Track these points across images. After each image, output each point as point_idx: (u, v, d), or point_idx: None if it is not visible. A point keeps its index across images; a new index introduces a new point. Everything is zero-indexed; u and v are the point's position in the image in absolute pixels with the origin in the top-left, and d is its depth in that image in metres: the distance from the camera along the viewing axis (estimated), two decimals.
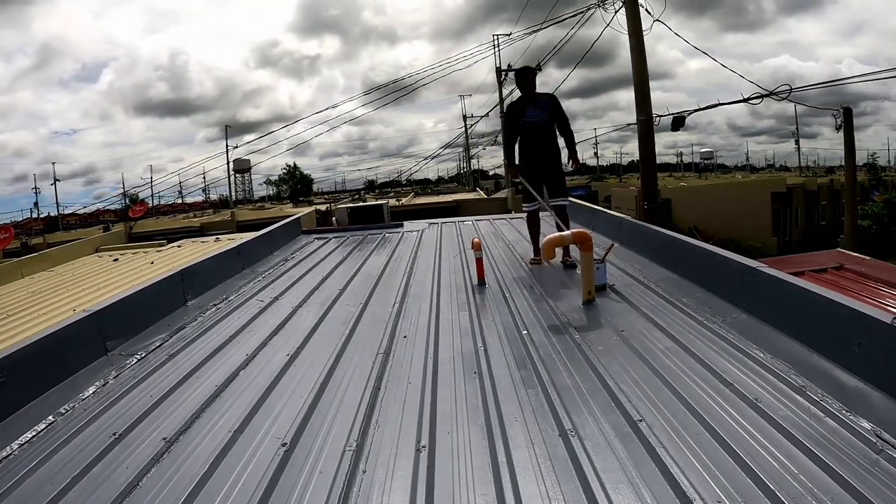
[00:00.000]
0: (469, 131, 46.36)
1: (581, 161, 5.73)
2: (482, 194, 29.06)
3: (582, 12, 14.64)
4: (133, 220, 20.60)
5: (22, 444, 2.27)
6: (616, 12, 12.79)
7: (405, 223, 8.55)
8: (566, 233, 3.98)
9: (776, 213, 25.51)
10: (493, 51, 29.01)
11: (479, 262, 4.70)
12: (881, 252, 12.12)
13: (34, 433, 2.35)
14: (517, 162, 5.47)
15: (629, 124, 12.79)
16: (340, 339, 3.43)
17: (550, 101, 5.36)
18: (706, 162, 64.93)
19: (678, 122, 13.33)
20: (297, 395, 2.66)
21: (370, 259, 6.09)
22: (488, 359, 3.00)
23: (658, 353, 2.92)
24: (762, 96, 12.39)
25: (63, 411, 2.55)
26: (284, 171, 60.36)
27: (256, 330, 3.69)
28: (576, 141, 5.53)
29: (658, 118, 12.63)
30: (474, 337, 3.37)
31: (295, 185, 59.70)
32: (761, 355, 2.72)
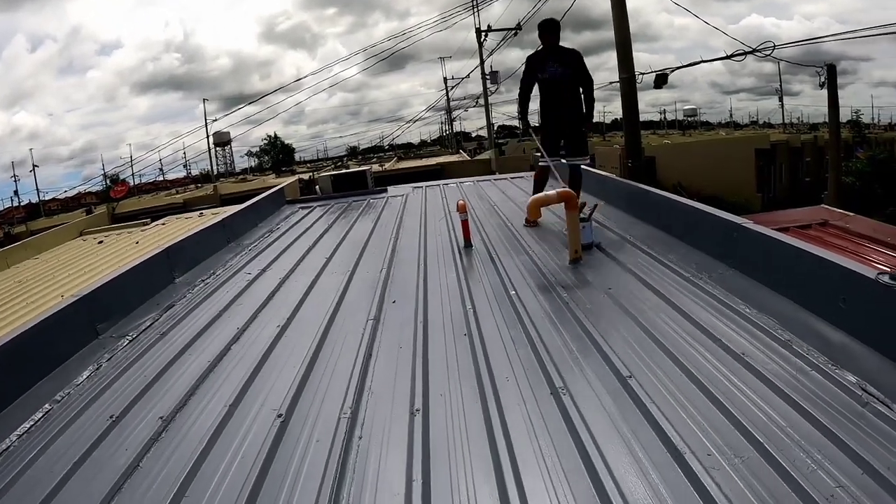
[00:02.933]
0: (451, 93, 45.88)
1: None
2: (465, 156, 28.91)
3: None
4: (115, 200, 20.31)
5: (20, 435, 2.27)
6: None
7: (389, 188, 8.54)
8: (551, 192, 3.95)
9: (760, 170, 25.62)
10: (474, 11, 28.60)
11: (464, 224, 4.69)
12: (865, 208, 12.21)
13: (31, 423, 2.35)
14: (540, 117, 5.46)
15: (612, 83, 12.71)
16: (330, 307, 3.45)
17: (575, 57, 5.23)
18: (689, 119, 64.64)
19: (661, 80, 13.36)
20: (290, 365, 2.68)
21: (356, 226, 6.08)
22: (478, 320, 3.03)
23: (646, 310, 2.95)
24: (745, 53, 12.36)
25: (59, 398, 2.54)
26: (265, 141, 59.57)
27: (246, 303, 3.70)
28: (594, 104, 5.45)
29: (641, 76, 12.53)
30: (463, 299, 3.40)
31: (276, 155, 58.99)
32: (748, 311, 2.75)
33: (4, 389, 2.53)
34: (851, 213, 7.16)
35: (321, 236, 5.67)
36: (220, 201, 14.13)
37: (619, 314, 2.94)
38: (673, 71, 13.58)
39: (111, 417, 2.32)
